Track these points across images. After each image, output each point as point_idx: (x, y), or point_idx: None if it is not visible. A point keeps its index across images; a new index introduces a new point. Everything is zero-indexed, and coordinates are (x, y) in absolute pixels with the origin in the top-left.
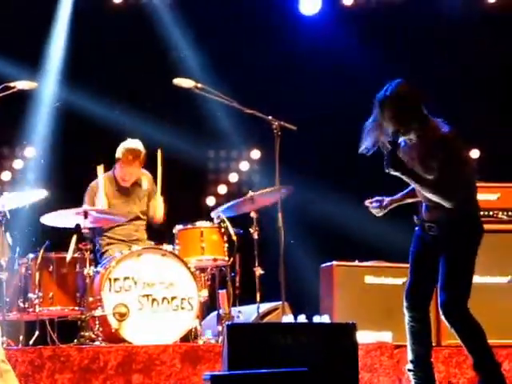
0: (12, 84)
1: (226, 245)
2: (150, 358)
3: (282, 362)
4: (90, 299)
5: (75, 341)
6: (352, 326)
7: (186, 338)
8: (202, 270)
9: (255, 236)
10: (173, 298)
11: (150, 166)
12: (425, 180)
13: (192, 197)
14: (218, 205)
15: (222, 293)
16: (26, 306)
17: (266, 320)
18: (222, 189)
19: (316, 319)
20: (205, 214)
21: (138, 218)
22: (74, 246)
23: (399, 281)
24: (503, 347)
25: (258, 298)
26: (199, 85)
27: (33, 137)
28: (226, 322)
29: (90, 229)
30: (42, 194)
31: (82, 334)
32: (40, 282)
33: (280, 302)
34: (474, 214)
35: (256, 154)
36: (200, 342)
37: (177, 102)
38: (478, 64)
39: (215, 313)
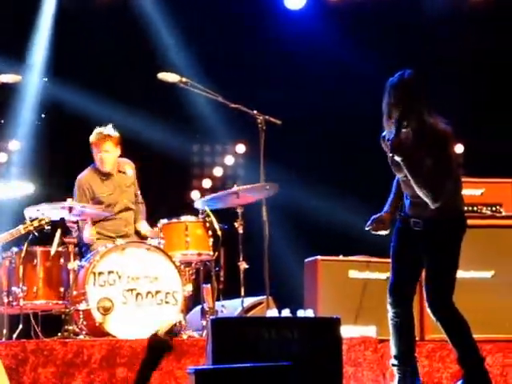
0: None
1: (211, 239)
2: (134, 351)
3: (266, 356)
4: (75, 293)
5: (59, 334)
6: (336, 321)
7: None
8: (187, 264)
9: (240, 230)
10: (157, 292)
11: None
12: (420, 172)
13: (177, 191)
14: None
15: (207, 287)
16: (10, 299)
17: (250, 314)
18: (207, 183)
19: (300, 313)
20: (189, 208)
21: (127, 209)
22: (59, 239)
23: (383, 275)
24: (487, 342)
25: (242, 293)
26: (184, 79)
27: (17, 130)
28: (211, 317)
29: (75, 222)
30: (28, 188)
31: (66, 327)
32: (24, 276)
33: (264, 297)
34: (459, 210)
35: (241, 148)
36: (184, 336)
37: (162, 96)
38: (463, 60)
39: (199, 307)
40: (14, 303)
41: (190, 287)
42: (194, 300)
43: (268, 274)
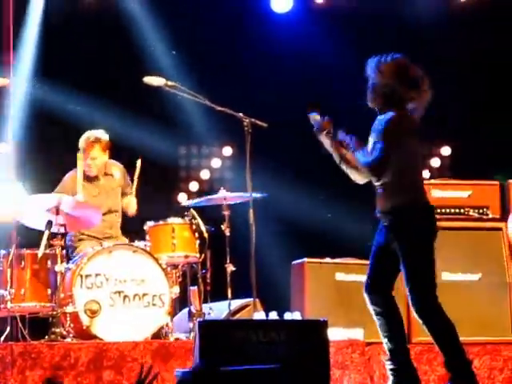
0: None
1: (198, 241)
2: (121, 354)
3: (254, 359)
4: (62, 295)
5: (46, 337)
6: (323, 323)
7: (157, 335)
8: (174, 266)
9: (227, 233)
10: (144, 295)
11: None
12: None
13: (163, 193)
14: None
15: (194, 289)
16: None
17: (237, 317)
18: (194, 186)
19: (287, 316)
20: (176, 210)
21: (109, 212)
22: (46, 241)
23: None
24: (474, 344)
25: (229, 295)
26: (169, 83)
27: (4, 133)
28: (198, 319)
29: (62, 225)
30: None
31: (53, 330)
32: (12, 279)
33: (251, 299)
34: (422, 201)
35: (228, 150)
36: (171, 338)
37: (148, 99)
38: (452, 62)
39: (186, 309)
40: (2, 306)
41: (176, 289)
42: (181, 302)
43: (255, 276)
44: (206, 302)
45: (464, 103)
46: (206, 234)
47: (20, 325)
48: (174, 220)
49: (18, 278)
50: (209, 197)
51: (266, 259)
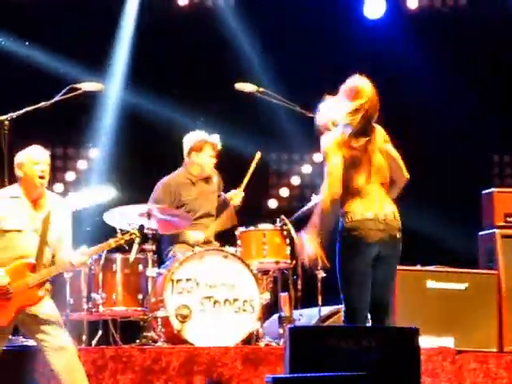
0: (78, 85)
1: (289, 247)
2: (211, 359)
3: (344, 366)
4: (153, 300)
5: (137, 341)
6: (415, 331)
7: (247, 340)
8: (264, 272)
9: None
10: (235, 300)
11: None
12: None
13: (254, 199)
14: (279, 208)
15: (284, 295)
16: (90, 306)
17: (327, 323)
18: (284, 192)
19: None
20: (267, 216)
21: (207, 215)
22: (138, 246)
23: (461, 286)
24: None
25: (319, 301)
26: (261, 89)
27: (98, 138)
28: (288, 325)
29: (153, 229)
30: (111, 193)
31: (145, 334)
32: (103, 283)
33: (342, 306)
34: (348, 218)
35: (319, 157)
36: (261, 344)
37: (240, 104)
38: None
39: (277, 315)
40: (94, 310)
41: (267, 295)
42: (271, 308)
43: None
44: (296, 308)
45: None
46: (296, 240)
47: (111, 328)
48: (265, 226)
49: (110, 282)
50: (305, 208)
51: None
